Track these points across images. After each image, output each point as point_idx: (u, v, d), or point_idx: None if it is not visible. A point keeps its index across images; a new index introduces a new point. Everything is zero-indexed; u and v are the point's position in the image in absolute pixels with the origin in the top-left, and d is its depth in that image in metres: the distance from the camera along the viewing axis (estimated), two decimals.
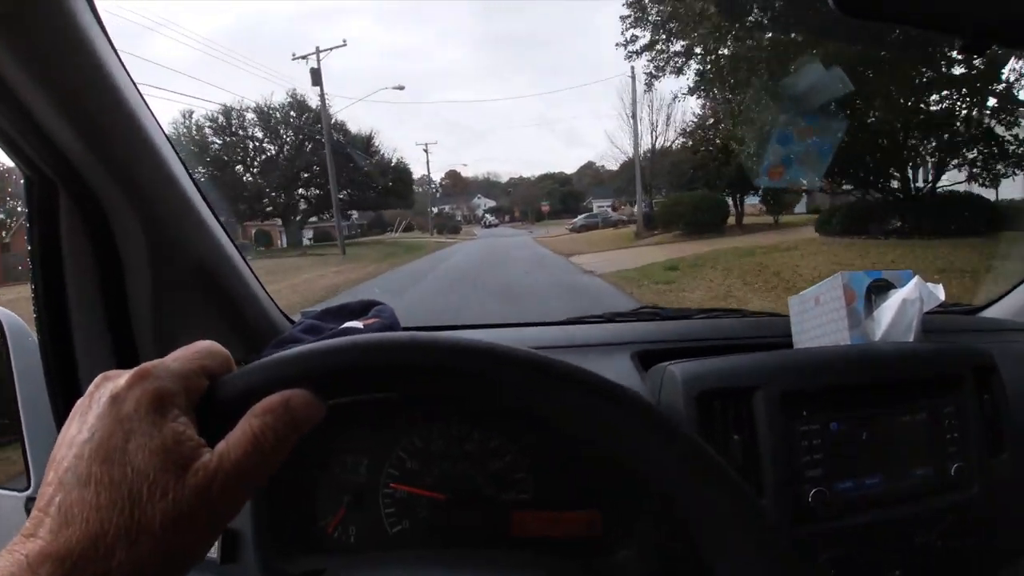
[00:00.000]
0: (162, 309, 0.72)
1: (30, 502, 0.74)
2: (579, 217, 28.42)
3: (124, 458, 0.28)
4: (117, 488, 0.28)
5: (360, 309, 0.79)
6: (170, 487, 0.28)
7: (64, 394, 0.71)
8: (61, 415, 0.70)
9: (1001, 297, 1.12)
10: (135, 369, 0.31)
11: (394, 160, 21.88)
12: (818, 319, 0.84)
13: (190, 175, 0.73)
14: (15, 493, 0.77)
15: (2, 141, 0.61)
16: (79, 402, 0.32)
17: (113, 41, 0.62)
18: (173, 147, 0.70)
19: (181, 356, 0.33)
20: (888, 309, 0.80)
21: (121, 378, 0.31)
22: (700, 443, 0.32)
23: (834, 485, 0.68)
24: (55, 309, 0.69)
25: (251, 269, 0.83)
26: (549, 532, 0.64)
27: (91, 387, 0.32)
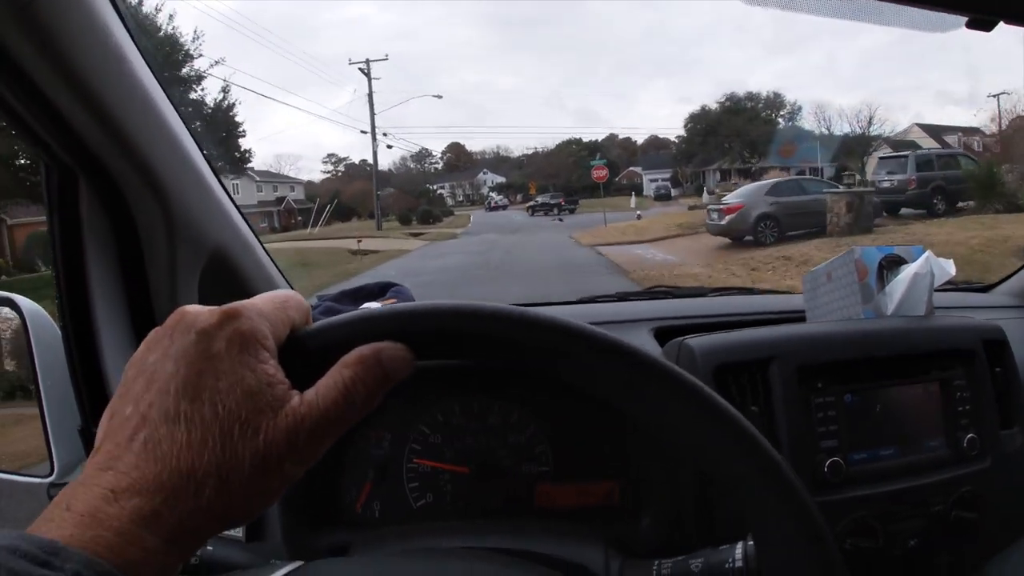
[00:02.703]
0: (182, 294, 0.72)
1: (53, 488, 0.75)
2: (744, 188, 11.59)
3: (215, 397, 0.28)
4: (208, 427, 0.27)
5: (378, 291, 0.80)
6: (261, 428, 0.28)
7: (87, 381, 0.72)
8: (84, 402, 0.71)
9: (1012, 275, 1.13)
10: (224, 307, 0.30)
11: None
12: (831, 294, 0.84)
13: (206, 159, 0.74)
14: (37, 479, 0.78)
15: (22, 130, 0.62)
16: (155, 332, 0.31)
17: (130, 26, 0.63)
18: (190, 131, 0.71)
19: (270, 301, 0.32)
20: (900, 284, 0.81)
21: (208, 315, 0.30)
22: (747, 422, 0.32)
23: (849, 456, 0.69)
24: (76, 296, 0.70)
25: (267, 252, 0.84)
26: (570, 503, 0.65)
27: (171, 320, 0.31)
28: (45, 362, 0.76)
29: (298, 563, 0.41)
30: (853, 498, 0.68)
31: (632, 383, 0.32)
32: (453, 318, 0.32)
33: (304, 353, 0.32)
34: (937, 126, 23.31)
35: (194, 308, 0.31)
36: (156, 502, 0.26)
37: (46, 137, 0.62)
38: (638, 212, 15.79)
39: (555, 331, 0.32)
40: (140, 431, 0.28)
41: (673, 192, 24.45)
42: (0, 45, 0.52)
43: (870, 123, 22.71)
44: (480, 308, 0.32)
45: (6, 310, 0.77)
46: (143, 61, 0.65)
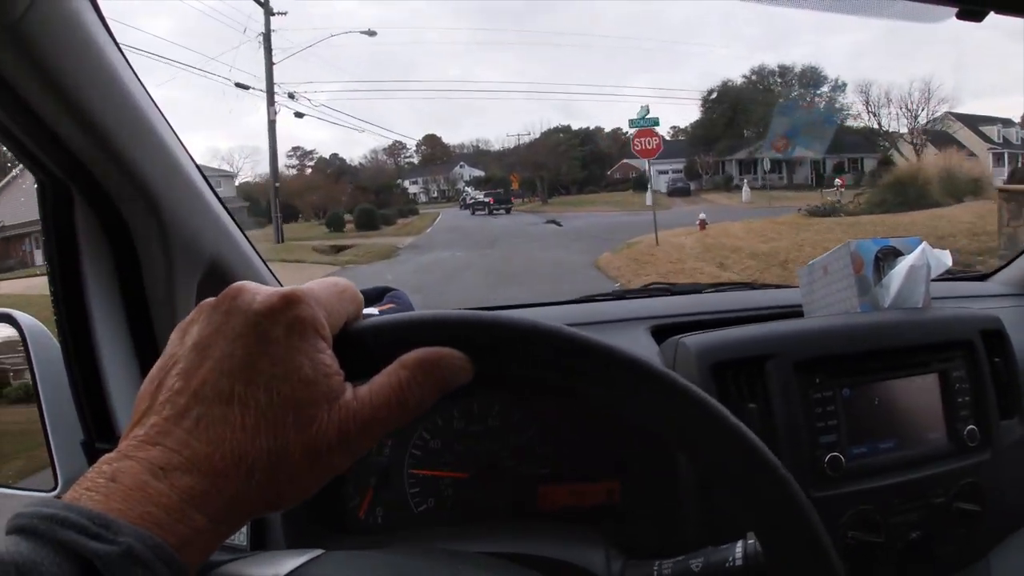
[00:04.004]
0: (181, 306, 0.73)
1: None
2: None
3: (271, 383, 0.27)
4: (263, 412, 0.27)
5: (375, 296, 0.79)
6: (315, 418, 0.28)
7: (88, 395, 0.72)
8: (85, 416, 0.71)
9: (1008, 263, 1.12)
10: (284, 291, 0.29)
11: None
12: (827, 288, 0.84)
13: (199, 169, 0.74)
14: (42, 494, 0.78)
15: (14, 147, 0.62)
16: (207, 303, 0.30)
17: (116, 38, 0.63)
18: (180, 141, 0.71)
19: (327, 289, 0.31)
20: (896, 276, 0.81)
21: (267, 297, 0.29)
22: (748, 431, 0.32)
23: (849, 450, 0.69)
24: (75, 310, 0.70)
25: (264, 261, 0.84)
26: (571, 503, 0.65)
27: (227, 295, 0.30)
28: (46, 377, 0.76)
29: (319, 551, 0.40)
30: (854, 492, 0.68)
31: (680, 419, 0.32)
32: (535, 336, 0.31)
33: (360, 346, 0.31)
34: (973, 115, 20.46)
35: (252, 286, 0.30)
36: (207, 483, 0.26)
37: (37, 152, 0.62)
38: (701, 215, 9.72)
39: (654, 379, 0.31)
40: (192, 408, 0.27)
41: (691, 186, 20.63)
42: None
43: (927, 104, 18.14)
44: (560, 333, 0.31)
45: (5, 326, 0.78)
46: (131, 72, 0.65)
